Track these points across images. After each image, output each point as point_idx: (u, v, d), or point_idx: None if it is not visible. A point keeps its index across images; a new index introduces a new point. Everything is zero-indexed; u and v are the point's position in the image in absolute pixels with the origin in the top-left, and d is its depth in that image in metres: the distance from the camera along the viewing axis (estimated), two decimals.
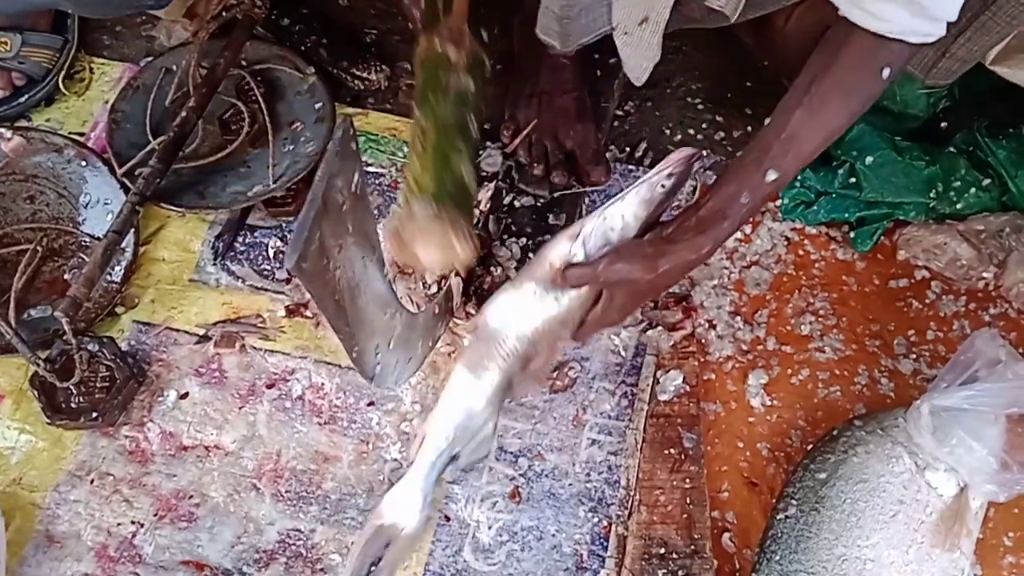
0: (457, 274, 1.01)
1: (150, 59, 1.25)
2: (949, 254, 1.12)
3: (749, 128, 1.22)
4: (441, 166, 0.96)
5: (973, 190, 1.11)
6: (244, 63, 1.20)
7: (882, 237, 1.14)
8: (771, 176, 0.84)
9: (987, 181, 1.11)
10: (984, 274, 1.12)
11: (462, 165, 0.96)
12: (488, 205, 1.10)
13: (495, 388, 0.92)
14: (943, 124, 1.14)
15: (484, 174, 1.13)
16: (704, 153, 0.88)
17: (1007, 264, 1.11)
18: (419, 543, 0.96)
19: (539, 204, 1.13)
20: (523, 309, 0.91)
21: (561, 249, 0.89)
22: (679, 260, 0.86)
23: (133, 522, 0.99)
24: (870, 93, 0.83)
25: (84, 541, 0.98)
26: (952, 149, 1.12)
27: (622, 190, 1.14)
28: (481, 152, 1.15)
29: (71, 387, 1.01)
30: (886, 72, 0.81)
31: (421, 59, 0.99)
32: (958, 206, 1.12)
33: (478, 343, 0.93)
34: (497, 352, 0.90)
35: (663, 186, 0.90)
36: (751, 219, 1.12)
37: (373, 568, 0.91)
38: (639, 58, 1.01)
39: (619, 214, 0.89)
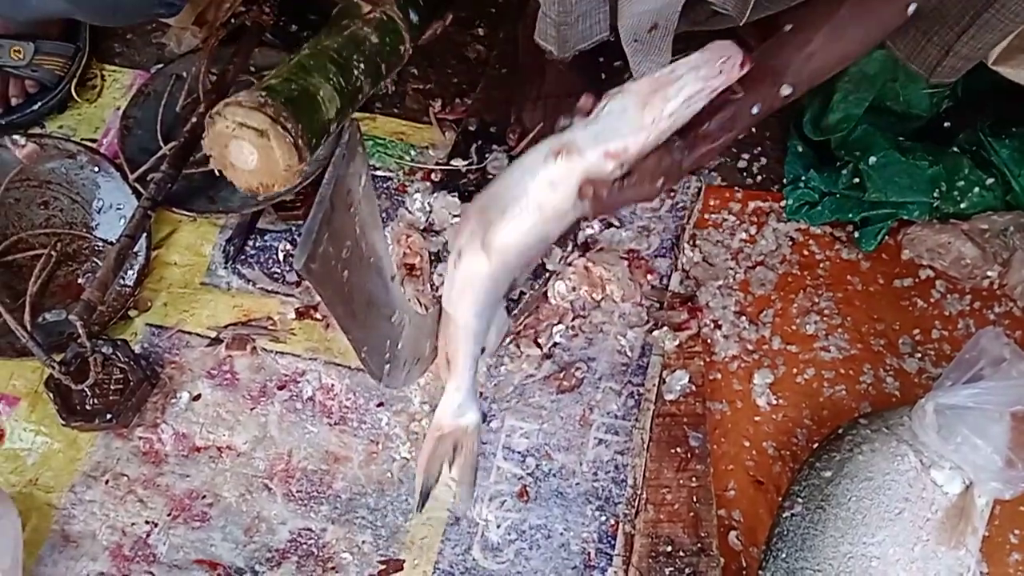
0: None
1: (161, 66, 1.27)
2: (953, 253, 1.13)
3: (753, 129, 1.23)
4: (293, 74, 0.92)
5: (977, 189, 1.11)
6: (253, 69, 1.22)
7: (886, 237, 1.14)
8: (785, 91, 0.84)
9: (990, 180, 1.11)
10: (988, 273, 1.13)
11: (320, 87, 0.92)
12: None
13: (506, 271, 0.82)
14: (946, 124, 1.15)
15: (490, 176, 1.14)
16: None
17: (1011, 263, 1.12)
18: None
19: None
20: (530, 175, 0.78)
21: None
22: (690, 147, 0.83)
23: (147, 522, 1.01)
24: (893, 25, 0.84)
25: (99, 541, 1.00)
26: (955, 149, 1.13)
27: None
28: (487, 155, 1.16)
29: (86, 389, 1.03)
30: (911, 8, 0.82)
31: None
32: (962, 205, 1.12)
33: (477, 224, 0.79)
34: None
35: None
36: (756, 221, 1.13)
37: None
38: (649, 63, 1.02)
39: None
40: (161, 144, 1.16)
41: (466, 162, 1.16)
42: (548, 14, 0.97)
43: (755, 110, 0.85)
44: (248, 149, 0.90)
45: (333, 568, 0.99)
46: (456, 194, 1.13)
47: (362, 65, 0.98)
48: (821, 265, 1.15)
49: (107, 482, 1.03)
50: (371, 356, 0.75)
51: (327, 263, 0.61)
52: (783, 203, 1.17)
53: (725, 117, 0.84)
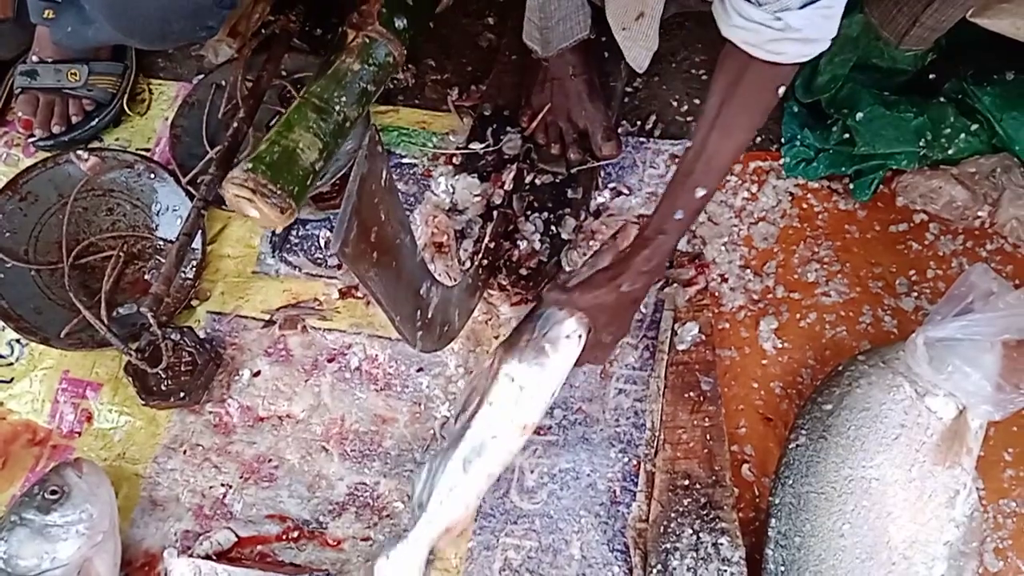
0: (488, 251, 1.12)
1: (201, 76, 1.38)
2: (945, 197, 1.19)
3: None
4: (279, 135, 1.10)
5: (963, 135, 1.18)
6: (284, 73, 1.32)
7: (881, 186, 1.21)
8: (699, 192, 0.96)
9: (975, 126, 1.17)
10: (979, 213, 1.19)
11: (301, 139, 1.10)
12: (511, 185, 1.21)
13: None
14: (931, 76, 1.21)
15: (506, 156, 1.24)
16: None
17: (1000, 202, 1.18)
18: None
19: (557, 180, 1.23)
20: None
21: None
22: (634, 276, 0.99)
23: (223, 485, 1.14)
24: (769, 107, 0.95)
25: (183, 503, 1.13)
26: (941, 99, 1.19)
27: (635, 162, 1.25)
28: (502, 137, 1.25)
29: (160, 372, 1.16)
30: (781, 89, 0.93)
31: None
32: (950, 152, 1.19)
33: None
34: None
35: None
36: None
37: None
38: (639, 49, 1.11)
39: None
40: (208, 149, 1.27)
41: (483, 145, 1.26)
42: (532, 19, 1.07)
43: (678, 216, 0.97)
44: (248, 208, 1.09)
45: (388, 516, 1.10)
46: (476, 175, 1.23)
47: (343, 99, 1.14)
48: (820, 217, 1.22)
49: (185, 452, 1.16)
50: (404, 324, 0.86)
51: (358, 247, 0.71)
52: (781, 161, 1.24)
53: (655, 228, 0.98)
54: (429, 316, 0.93)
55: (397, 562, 1.01)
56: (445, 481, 0.99)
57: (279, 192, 1.07)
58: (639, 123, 1.30)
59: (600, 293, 1.00)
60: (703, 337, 1.15)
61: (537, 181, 1.23)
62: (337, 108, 1.13)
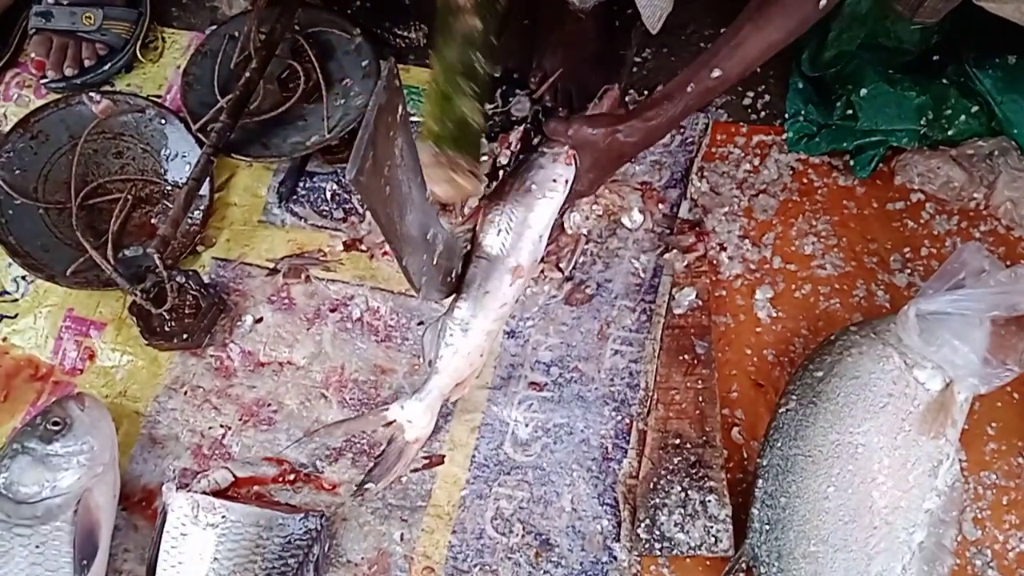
0: None
1: (215, 27, 1.39)
2: (942, 177, 1.22)
3: (757, 69, 1.32)
4: (442, 109, 1.08)
5: (963, 117, 1.20)
6: (298, 27, 1.33)
7: (880, 164, 1.23)
8: (715, 73, 0.99)
9: (976, 108, 1.19)
10: (975, 194, 1.21)
11: (464, 106, 1.09)
12: (518, 146, 1.23)
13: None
14: (935, 57, 1.23)
15: (514, 118, 1.26)
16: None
17: (996, 185, 1.20)
18: (412, 459, 1.10)
19: None
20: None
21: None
22: (632, 127, 1.02)
23: (222, 426, 1.16)
24: (808, 19, 0.98)
25: (181, 442, 1.15)
26: (943, 80, 1.21)
27: None
28: (511, 99, 1.27)
29: (164, 313, 1.17)
30: (823, 3, 0.95)
31: (438, 4, 1.12)
32: (950, 132, 1.21)
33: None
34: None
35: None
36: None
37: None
38: (654, 8, 1.13)
39: None
40: (219, 98, 1.27)
41: (492, 106, 1.27)
42: None
43: (689, 88, 1.00)
44: (440, 187, 1.06)
45: None
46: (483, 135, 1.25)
47: (481, 57, 1.13)
48: (819, 192, 1.25)
49: (186, 393, 1.18)
50: (410, 265, 0.87)
51: (372, 177, 0.73)
52: (784, 136, 1.26)
53: (664, 92, 1.02)
54: (434, 261, 0.95)
55: (411, 411, 1.07)
56: (448, 343, 1.05)
57: (469, 161, 1.08)
58: (646, 92, 1.32)
59: (597, 132, 1.03)
60: (700, 303, 1.17)
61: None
62: (479, 67, 1.13)
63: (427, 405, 1.07)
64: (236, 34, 1.34)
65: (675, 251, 1.20)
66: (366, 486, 1.07)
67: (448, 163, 1.05)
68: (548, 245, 1.20)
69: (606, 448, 1.11)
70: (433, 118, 1.09)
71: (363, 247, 1.25)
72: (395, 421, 1.07)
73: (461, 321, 1.05)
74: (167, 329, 1.18)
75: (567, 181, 1.06)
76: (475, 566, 1.06)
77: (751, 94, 1.31)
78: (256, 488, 1.12)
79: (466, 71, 1.11)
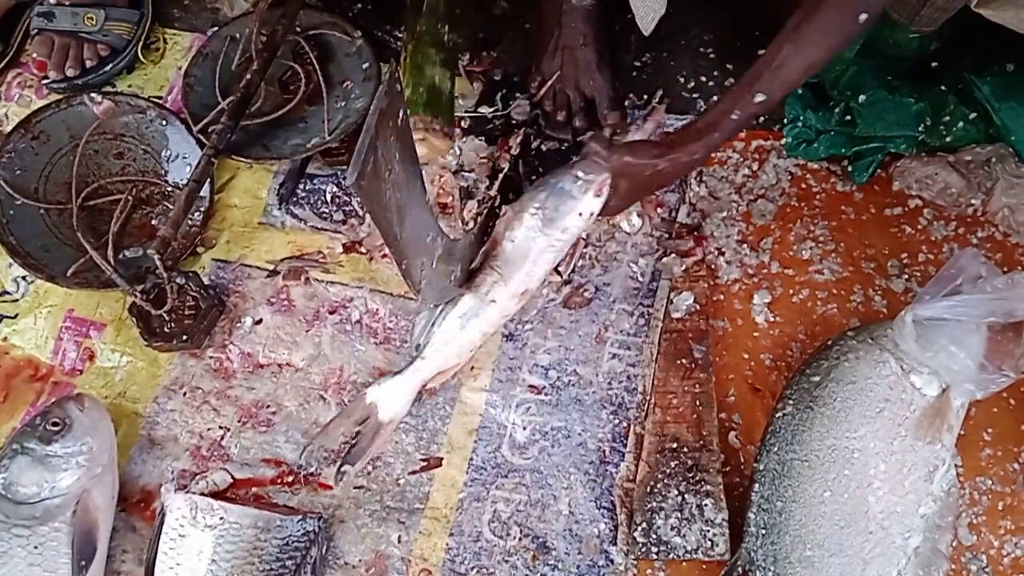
0: (491, 214, 1.15)
1: (216, 29, 1.39)
2: (940, 183, 1.22)
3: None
4: (414, 77, 1.16)
5: (961, 123, 1.20)
6: (299, 29, 1.33)
7: (878, 170, 1.24)
8: (759, 98, 0.98)
9: (974, 115, 1.20)
10: (972, 201, 1.22)
11: (435, 73, 1.16)
12: (518, 150, 1.24)
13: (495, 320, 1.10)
14: (933, 64, 1.24)
15: (514, 122, 1.26)
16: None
17: (993, 191, 1.21)
18: (386, 439, 1.11)
19: (563, 147, 1.25)
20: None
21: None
22: (676, 160, 1.02)
23: (221, 427, 1.16)
24: (849, 34, 0.96)
25: (180, 443, 1.15)
26: (942, 87, 1.21)
27: None
28: (511, 102, 1.27)
29: (164, 314, 1.17)
30: (863, 17, 0.94)
31: None
32: (948, 139, 1.21)
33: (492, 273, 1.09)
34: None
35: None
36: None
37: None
38: (647, 10, 1.14)
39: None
40: (220, 99, 1.28)
41: (492, 109, 1.28)
42: None
43: (734, 116, 1.00)
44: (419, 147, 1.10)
45: (380, 465, 1.13)
46: (483, 138, 1.25)
47: (446, 27, 1.22)
48: (817, 197, 1.25)
49: (185, 394, 1.18)
50: (410, 268, 0.88)
51: (373, 181, 0.73)
52: (783, 141, 1.26)
53: (708, 122, 1.02)
54: (433, 265, 0.95)
55: (389, 391, 1.09)
56: (442, 333, 1.07)
57: (442, 123, 1.18)
58: (646, 97, 1.32)
59: (639, 161, 1.03)
60: (697, 307, 1.17)
61: (543, 147, 1.25)
62: (446, 37, 1.22)
63: (406, 386, 1.08)
64: (237, 36, 1.35)
65: (673, 255, 1.21)
66: (343, 469, 1.07)
67: (423, 125, 1.12)
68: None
69: (603, 452, 1.12)
70: (407, 86, 1.16)
71: (363, 249, 1.25)
72: (372, 402, 1.08)
73: (461, 316, 1.07)
74: (167, 330, 1.18)
75: (592, 214, 1.07)
76: (472, 569, 1.06)
77: None
78: (254, 490, 1.12)
79: (433, 41, 1.20)
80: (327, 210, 1.29)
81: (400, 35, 1.35)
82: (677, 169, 1.04)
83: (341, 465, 1.08)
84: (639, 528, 1.05)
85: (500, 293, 1.08)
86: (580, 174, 1.06)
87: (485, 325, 1.08)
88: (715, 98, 1.30)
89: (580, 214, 1.07)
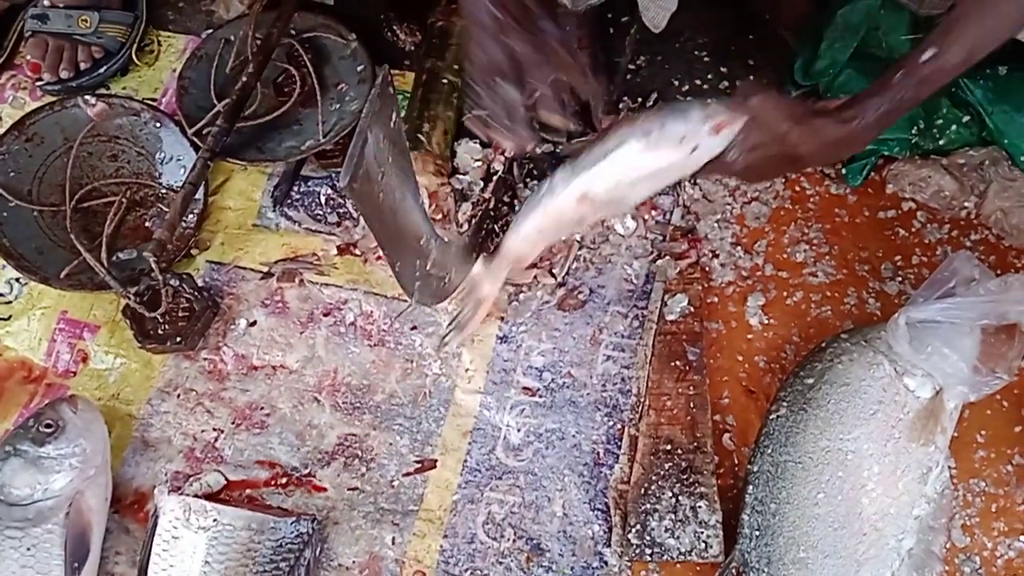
0: (485, 216, 1.15)
1: (211, 31, 1.39)
2: (933, 186, 1.23)
3: (751, 77, 1.33)
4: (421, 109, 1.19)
5: (954, 126, 1.21)
6: (294, 32, 1.33)
7: (872, 173, 1.24)
8: (928, 54, 0.85)
9: (967, 118, 1.20)
10: (966, 204, 1.22)
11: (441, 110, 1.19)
12: (512, 152, 1.24)
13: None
14: None
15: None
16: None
17: (987, 194, 1.21)
18: (482, 317, 1.13)
19: (557, 150, 1.26)
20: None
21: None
22: (823, 128, 0.89)
23: (215, 429, 1.16)
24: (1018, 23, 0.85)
25: (174, 445, 1.15)
26: None
27: None
28: None
29: (158, 316, 1.17)
30: None
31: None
32: (941, 142, 1.22)
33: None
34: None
35: None
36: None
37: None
38: (657, 8, 1.13)
39: None
40: (215, 102, 1.28)
41: (485, 112, 1.27)
42: None
43: (895, 79, 0.89)
44: None
45: (375, 467, 1.13)
46: (477, 140, 1.25)
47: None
48: (811, 200, 1.25)
49: (179, 396, 1.18)
50: (403, 271, 0.88)
51: (365, 184, 0.73)
52: None
53: (865, 94, 0.90)
54: (428, 267, 0.95)
55: (487, 270, 1.09)
56: (514, 229, 1.04)
57: (438, 161, 1.19)
58: (640, 100, 1.33)
59: (784, 111, 0.87)
60: (692, 309, 1.18)
61: (537, 150, 1.25)
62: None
63: (499, 264, 1.07)
64: (232, 38, 1.35)
65: (667, 257, 1.21)
66: (446, 339, 1.12)
67: (420, 163, 1.11)
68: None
69: (597, 453, 1.12)
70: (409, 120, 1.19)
71: (357, 251, 1.25)
72: (475, 274, 1.10)
73: (562, 180, 0.98)
74: (160, 332, 1.18)
75: (695, 149, 0.91)
76: (466, 570, 1.06)
77: None
78: (248, 491, 1.12)
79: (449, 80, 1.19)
80: (321, 212, 1.29)
81: (407, 31, 1.36)
82: (821, 141, 0.88)
83: (446, 335, 1.12)
84: (633, 530, 1.05)
85: (589, 190, 0.96)
86: (712, 103, 0.91)
87: (566, 219, 1.00)
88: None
89: (683, 139, 0.90)
